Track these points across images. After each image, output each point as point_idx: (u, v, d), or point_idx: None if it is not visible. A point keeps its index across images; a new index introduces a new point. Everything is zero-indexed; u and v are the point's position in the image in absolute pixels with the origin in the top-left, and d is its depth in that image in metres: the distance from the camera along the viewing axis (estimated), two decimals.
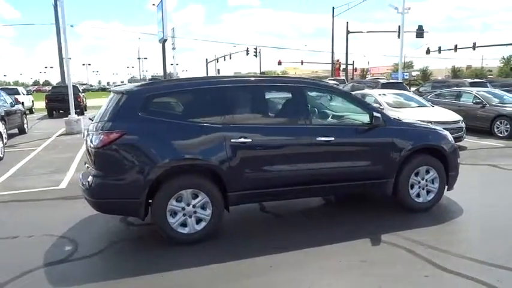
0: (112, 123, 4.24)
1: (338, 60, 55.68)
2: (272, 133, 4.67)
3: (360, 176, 4.99)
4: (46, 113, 23.06)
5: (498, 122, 11.62)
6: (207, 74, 55.13)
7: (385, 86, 17.33)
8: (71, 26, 14.62)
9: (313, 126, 4.81)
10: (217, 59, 55.37)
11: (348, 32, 32.05)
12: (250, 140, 4.46)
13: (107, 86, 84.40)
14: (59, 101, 22.18)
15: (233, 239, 4.55)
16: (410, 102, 11.15)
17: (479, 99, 12.30)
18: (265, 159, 4.60)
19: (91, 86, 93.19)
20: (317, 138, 4.73)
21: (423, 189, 5.29)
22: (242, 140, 4.43)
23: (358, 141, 5.01)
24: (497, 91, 14.00)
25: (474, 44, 44.06)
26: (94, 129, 4.39)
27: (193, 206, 4.37)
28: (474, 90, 13.26)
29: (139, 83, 4.71)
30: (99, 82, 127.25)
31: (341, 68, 55.05)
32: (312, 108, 4.97)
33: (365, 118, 5.08)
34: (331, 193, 5.41)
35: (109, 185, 4.22)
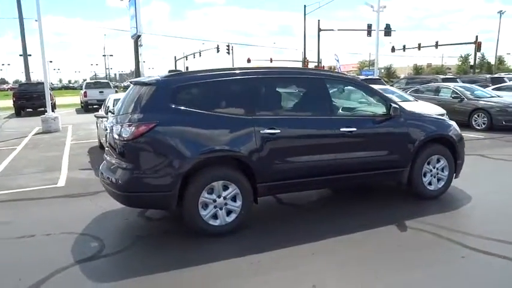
0: (143, 114, 4.13)
1: (306, 59, 56.54)
2: (299, 124, 4.72)
3: (380, 165, 5.13)
4: (13, 112, 22.03)
5: (476, 115, 12.21)
6: None
7: (365, 82, 17.73)
8: (35, 20, 13.86)
9: (336, 117, 4.91)
10: (186, 57, 54.73)
11: (319, 30, 32.58)
12: (279, 131, 4.48)
13: (70, 84, 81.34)
14: (27, 99, 21.28)
15: (258, 231, 4.53)
16: (394, 97, 11.48)
17: (457, 93, 12.88)
18: (292, 150, 4.63)
19: (52, 84, 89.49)
20: (341, 129, 4.82)
21: (434, 177, 5.51)
22: (271, 131, 4.44)
23: (378, 131, 5.14)
24: (471, 86, 14.70)
25: (436, 42, 46.00)
26: (121, 122, 4.27)
27: (224, 198, 4.35)
28: (452, 85, 13.86)
29: (166, 74, 4.61)
30: (60, 80, 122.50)
31: (309, 66, 55.98)
32: (333, 100, 5.04)
33: (379, 109, 5.22)
34: (353, 183, 5.51)
35: (140, 178, 4.12)
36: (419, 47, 47.43)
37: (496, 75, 25.43)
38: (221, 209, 4.35)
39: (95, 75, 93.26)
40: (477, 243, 4.01)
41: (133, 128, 4.06)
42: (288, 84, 4.92)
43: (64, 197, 6.12)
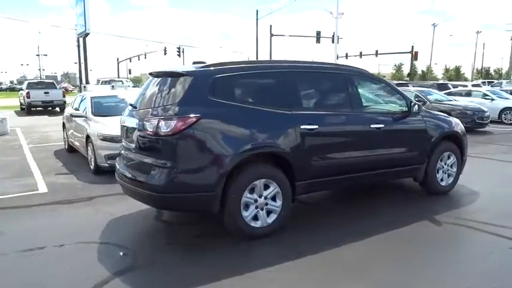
0: (183, 107, 3.76)
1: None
2: (334, 120, 4.59)
3: (403, 162, 5.16)
4: None
5: None
6: (118, 75, 52.01)
7: None
8: None
9: (366, 114, 4.86)
10: (130, 58, 52.57)
11: (271, 35, 32.99)
12: (317, 127, 4.32)
13: None
14: None
15: (293, 234, 4.28)
16: None
17: (420, 97, 13.56)
18: (328, 146, 4.49)
19: None
20: (371, 125, 4.77)
21: (445, 173, 5.66)
22: (310, 126, 4.27)
23: (402, 128, 5.16)
24: (428, 90, 15.55)
25: (376, 51, 48.44)
26: (155, 116, 3.85)
27: (265, 198, 4.09)
28: (412, 89, 14.57)
29: (199, 65, 4.23)
30: None
31: None
32: (362, 96, 4.98)
33: (397, 105, 5.27)
34: (379, 180, 5.47)
35: (180, 177, 3.73)
36: (360, 55, 49.52)
37: (441, 82, 27.27)
38: (262, 209, 4.09)
39: (23, 76, 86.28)
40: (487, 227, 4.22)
41: (174, 122, 3.68)
42: (323, 79, 4.76)
43: (55, 204, 5.44)
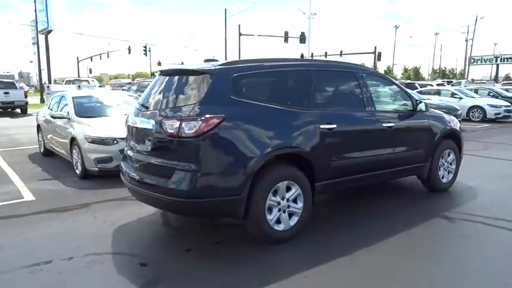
0: (206, 107, 3.55)
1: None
2: (350, 119, 4.53)
3: (410, 160, 5.19)
4: None
5: None
6: (79, 75, 50.02)
7: None
8: None
9: (378, 112, 4.83)
10: (91, 57, 50.61)
11: (240, 35, 32.78)
12: (335, 126, 4.24)
13: None
14: None
15: (315, 235, 4.17)
16: None
17: None
18: (346, 146, 4.43)
19: None
20: (383, 124, 4.76)
21: (446, 170, 5.76)
22: (329, 126, 4.18)
23: (409, 126, 5.18)
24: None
25: (341, 51, 49.41)
26: (175, 117, 3.62)
27: (287, 200, 3.96)
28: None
29: (215, 62, 4.02)
30: None
31: None
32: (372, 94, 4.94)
33: (403, 104, 5.29)
34: (390, 178, 5.47)
35: (205, 181, 3.53)
36: (325, 55, 50.50)
37: (408, 82, 28.06)
38: (284, 212, 3.96)
39: None
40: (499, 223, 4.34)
41: (199, 123, 3.46)
42: (337, 78, 4.69)
43: (48, 212, 5.04)
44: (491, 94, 18.48)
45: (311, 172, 4.10)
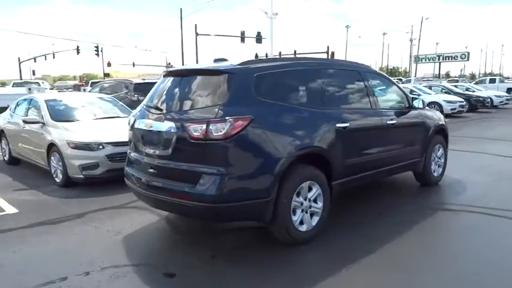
0: (233, 108, 3.42)
1: (169, 63, 55.66)
2: (360, 117, 4.57)
3: (411, 155, 5.34)
4: None
5: None
6: (21, 77, 46.94)
7: None
8: None
9: (382, 110, 4.92)
10: (34, 58, 47.60)
11: (196, 35, 32.21)
12: (348, 125, 4.26)
13: None
14: None
15: (335, 234, 4.15)
16: None
17: None
18: (357, 143, 4.46)
19: None
20: (387, 122, 4.86)
21: (437, 164, 6.00)
22: (343, 124, 4.20)
23: (409, 122, 5.32)
24: None
25: (295, 51, 50.18)
26: (197, 118, 3.46)
27: (309, 200, 3.93)
28: None
29: (229, 62, 3.88)
30: None
31: None
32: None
33: (400, 101, 5.42)
34: (392, 174, 5.55)
35: (235, 184, 3.40)
36: (280, 55, 51.07)
37: None
38: (306, 212, 3.92)
39: None
40: (498, 212, 4.60)
41: (227, 124, 3.33)
42: (346, 77, 4.69)
43: (41, 225, 4.64)
44: (444, 91, 19.57)
45: (329, 171, 4.10)
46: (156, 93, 4.15)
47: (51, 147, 6.43)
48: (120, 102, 8.32)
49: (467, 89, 21.78)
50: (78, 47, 40.25)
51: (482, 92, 21.64)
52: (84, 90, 25.10)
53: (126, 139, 6.27)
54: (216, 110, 3.43)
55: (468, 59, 41.25)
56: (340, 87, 4.58)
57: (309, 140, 3.86)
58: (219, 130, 3.34)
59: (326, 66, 4.52)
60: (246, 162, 3.45)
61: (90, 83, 23.83)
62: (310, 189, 3.93)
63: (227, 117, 3.35)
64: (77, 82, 53.00)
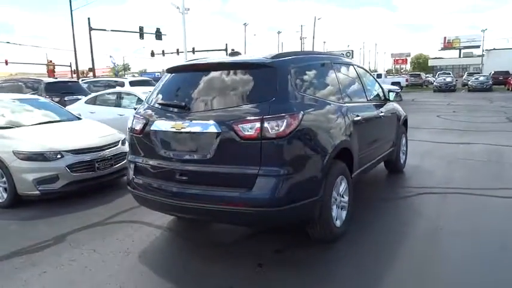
0: (284, 104, 3.21)
1: (51, 61, 50.71)
2: (363, 109, 4.63)
3: (390, 144, 5.65)
4: None
5: None
6: None
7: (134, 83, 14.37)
8: None
9: (372, 102, 5.09)
10: None
11: (90, 29, 29.39)
12: (360, 117, 4.33)
13: None
14: None
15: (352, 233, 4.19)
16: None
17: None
18: (364, 135, 4.51)
19: None
20: (379, 113, 5.07)
21: (402, 153, 6.46)
22: (357, 117, 4.24)
23: (389, 114, 5.60)
24: None
25: (193, 48, 49.58)
26: (246, 115, 3.15)
27: (340, 195, 3.89)
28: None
29: (270, 54, 3.55)
30: None
31: (55, 69, 50.50)
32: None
33: (379, 94, 5.65)
34: (378, 164, 5.69)
35: (292, 185, 3.17)
36: (177, 52, 50.02)
37: None
38: (338, 207, 3.87)
39: None
40: (476, 192, 5.18)
41: (284, 121, 3.10)
42: (348, 70, 4.71)
43: (20, 255, 3.78)
44: None
45: (351, 164, 4.11)
46: (173, 90, 3.67)
47: None
48: (58, 104, 7.25)
49: None
50: None
51: None
52: None
53: (89, 145, 5.53)
54: (267, 106, 3.17)
55: (353, 57, 45.51)
56: (347, 80, 4.63)
57: (343, 134, 3.82)
58: (274, 128, 3.09)
59: (337, 60, 4.53)
60: (300, 160, 3.26)
61: None
62: (340, 183, 3.89)
63: (283, 114, 3.12)
64: None
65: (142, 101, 8.82)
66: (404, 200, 5.06)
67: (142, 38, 33.68)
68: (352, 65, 4.96)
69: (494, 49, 56.52)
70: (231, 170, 3.22)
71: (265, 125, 3.08)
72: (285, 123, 3.10)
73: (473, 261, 3.41)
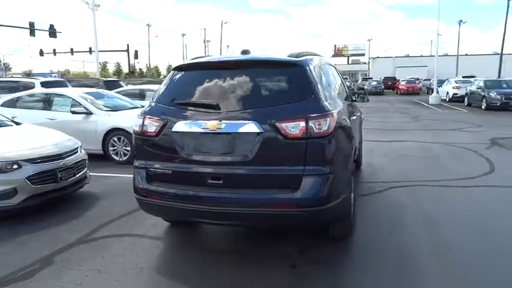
0: (319, 103, 3.20)
1: None
2: (352, 108, 4.88)
3: (357, 143, 5.97)
4: None
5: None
6: None
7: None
8: None
9: (350, 101, 5.32)
10: None
11: None
12: (354, 116, 4.58)
13: None
14: None
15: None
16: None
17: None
18: (356, 132, 4.74)
19: None
20: (357, 112, 5.36)
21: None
22: (353, 117, 4.48)
23: (358, 113, 5.83)
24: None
25: (90, 48, 46.15)
26: (288, 114, 3.08)
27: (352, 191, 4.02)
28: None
29: (291, 53, 3.44)
30: None
31: None
32: None
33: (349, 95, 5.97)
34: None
35: (336, 183, 3.18)
36: (72, 51, 46.30)
37: (110, 79, 23.23)
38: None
39: None
40: (436, 183, 5.81)
41: (327, 120, 3.09)
42: (335, 71, 4.93)
43: (12, 283, 3.14)
44: None
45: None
46: (192, 89, 3.38)
47: None
48: None
49: None
50: None
51: None
52: None
53: (49, 153, 4.80)
54: (307, 105, 3.13)
55: None
56: (339, 80, 4.81)
57: (357, 131, 3.98)
58: (319, 126, 3.07)
59: (328, 62, 4.67)
60: (338, 158, 3.28)
61: None
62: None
63: (325, 113, 3.12)
64: None
65: (79, 103, 8.33)
66: (381, 194, 5.40)
67: (34, 35, 30.28)
68: (333, 66, 5.16)
69: (378, 57, 63.23)
70: (274, 171, 3.12)
71: (310, 124, 3.05)
72: (328, 122, 3.10)
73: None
